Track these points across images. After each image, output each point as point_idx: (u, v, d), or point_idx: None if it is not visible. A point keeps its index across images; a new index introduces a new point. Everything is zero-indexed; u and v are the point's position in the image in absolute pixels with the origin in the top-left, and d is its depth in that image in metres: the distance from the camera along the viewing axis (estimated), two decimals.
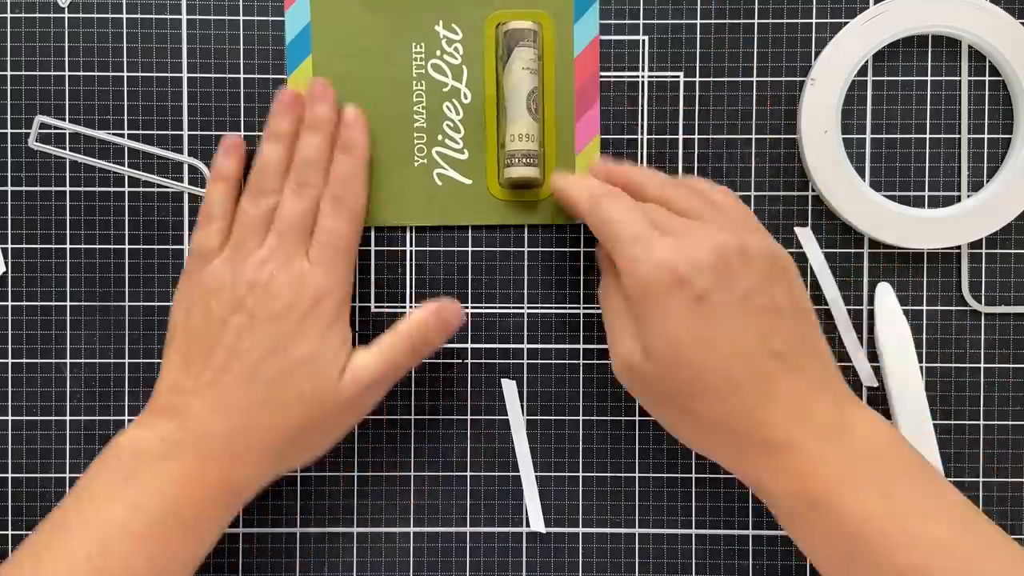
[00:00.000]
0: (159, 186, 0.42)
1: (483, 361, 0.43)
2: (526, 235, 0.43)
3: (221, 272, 0.37)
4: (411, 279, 0.43)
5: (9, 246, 0.42)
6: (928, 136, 0.43)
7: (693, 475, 0.43)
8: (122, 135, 0.42)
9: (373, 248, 0.43)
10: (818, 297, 0.42)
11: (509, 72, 0.40)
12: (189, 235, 0.43)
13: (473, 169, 0.42)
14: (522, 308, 0.43)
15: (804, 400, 0.33)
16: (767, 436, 0.33)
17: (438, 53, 0.42)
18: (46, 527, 0.35)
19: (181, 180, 0.42)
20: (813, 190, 0.42)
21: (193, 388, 0.36)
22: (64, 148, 0.42)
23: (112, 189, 0.42)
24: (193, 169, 0.42)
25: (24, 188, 0.42)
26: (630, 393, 0.37)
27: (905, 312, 0.42)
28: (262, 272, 0.37)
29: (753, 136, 0.42)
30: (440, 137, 0.42)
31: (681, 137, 0.42)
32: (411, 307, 0.43)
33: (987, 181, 0.43)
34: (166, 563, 0.35)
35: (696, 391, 0.33)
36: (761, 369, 0.33)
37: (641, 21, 0.42)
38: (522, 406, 0.43)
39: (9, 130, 0.42)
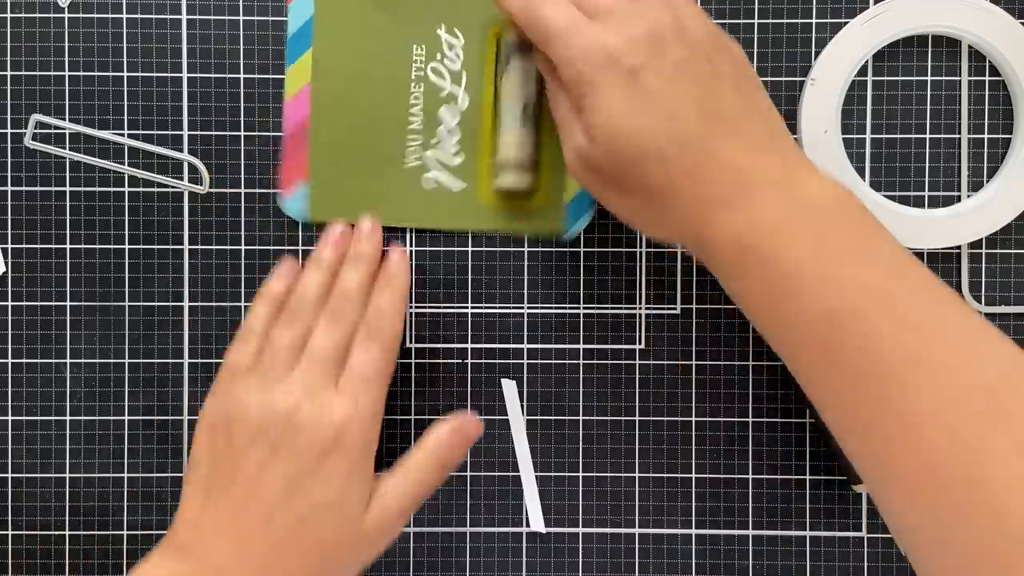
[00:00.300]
0: (159, 185, 0.42)
1: (483, 361, 0.43)
2: (526, 236, 0.43)
3: (246, 394, 0.36)
4: (411, 279, 0.43)
5: (9, 246, 0.42)
6: (928, 136, 0.43)
7: (693, 475, 0.43)
8: (122, 135, 0.42)
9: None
10: None
11: (506, 81, 0.40)
12: (188, 235, 0.43)
13: (466, 174, 0.42)
14: (522, 308, 0.43)
15: (746, 159, 0.33)
16: (708, 193, 0.32)
17: (439, 56, 0.42)
18: None
19: (181, 179, 0.42)
20: None
21: (210, 526, 0.35)
22: (64, 147, 0.42)
23: (112, 189, 0.42)
24: (193, 168, 0.42)
25: (24, 188, 0.42)
26: (587, 188, 0.36)
27: None
28: (288, 400, 0.36)
29: None
30: (434, 140, 0.42)
31: None
32: (411, 307, 0.43)
33: (987, 181, 0.43)
34: None
35: (639, 162, 0.33)
36: (700, 130, 0.33)
37: None
38: (522, 406, 0.43)
39: (9, 130, 0.42)
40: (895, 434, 0.29)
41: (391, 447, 0.43)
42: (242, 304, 0.43)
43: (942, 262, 0.43)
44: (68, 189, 0.42)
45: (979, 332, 0.30)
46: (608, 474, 0.43)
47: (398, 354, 0.39)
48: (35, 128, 0.41)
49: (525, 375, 0.43)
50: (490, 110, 0.42)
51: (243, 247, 0.43)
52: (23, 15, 0.42)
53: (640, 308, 0.43)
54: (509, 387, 0.43)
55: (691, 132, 0.33)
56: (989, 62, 0.42)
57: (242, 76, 0.42)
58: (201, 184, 0.42)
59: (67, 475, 0.43)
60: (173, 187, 0.42)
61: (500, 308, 0.43)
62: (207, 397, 0.38)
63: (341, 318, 0.38)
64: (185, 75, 0.42)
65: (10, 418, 0.43)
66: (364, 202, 0.42)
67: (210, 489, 0.36)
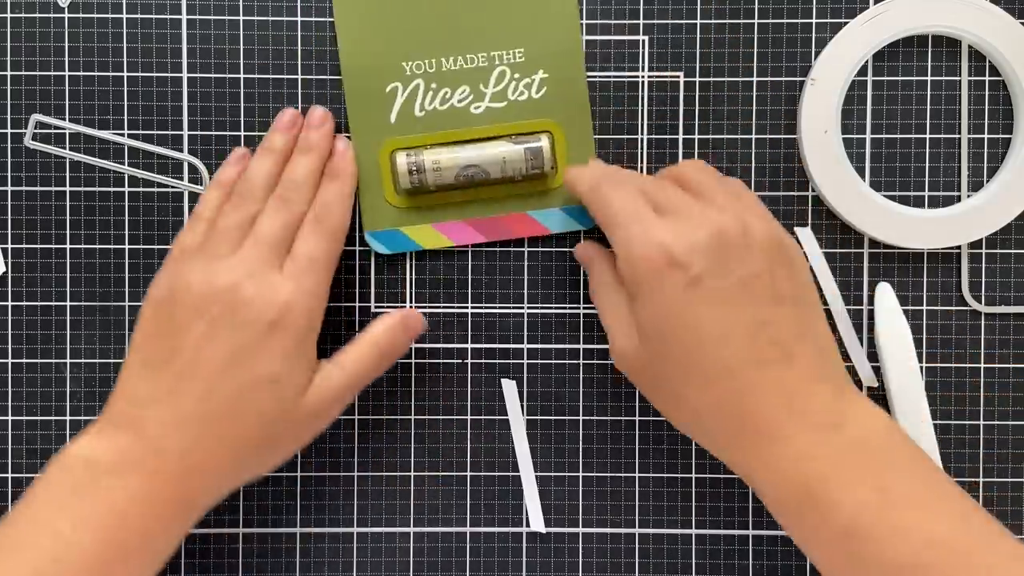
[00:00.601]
0: (159, 185, 0.42)
1: (483, 361, 0.43)
2: (526, 236, 0.43)
3: (190, 272, 0.36)
4: (411, 279, 0.43)
5: (9, 246, 0.42)
6: (928, 136, 0.43)
7: (693, 475, 0.43)
8: (122, 135, 0.42)
9: (372, 250, 0.43)
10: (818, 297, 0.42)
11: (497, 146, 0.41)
12: None
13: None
14: (522, 308, 0.43)
15: (797, 391, 0.32)
16: (757, 426, 0.32)
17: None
18: None
19: (181, 179, 0.42)
20: (813, 190, 0.42)
21: (149, 398, 0.35)
22: (64, 147, 0.42)
23: (112, 189, 0.42)
24: (193, 168, 0.42)
25: (24, 188, 0.42)
26: (629, 379, 0.37)
27: (905, 312, 0.42)
28: (231, 276, 0.36)
29: (753, 136, 0.42)
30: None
31: (681, 137, 0.42)
32: (411, 307, 0.43)
33: (987, 181, 0.43)
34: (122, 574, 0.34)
35: (687, 376, 0.33)
36: (753, 356, 0.32)
37: (641, 21, 0.42)
38: (522, 406, 0.43)
39: (9, 130, 0.42)
40: None
41: (390, 447, 0.43)
42: None
43: (942, 262, 0.43)
44: (68, 189, 0.42)
45: None
46: (608, 474, 0.43)
47: (343, 245, 0.39)
48: (35, 128, 0.41)
49: (525, 375, 0.43)
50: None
51: None
52: (23, 15, 0.42)
53: None
54: (509, 387, 0.43)
55: (741, 359, 0.32)
56: (989, 62, 0.42)
57: (242, 76, 0.42)
58: (201, 184, 0.42)
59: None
60: (173, 187, 0.42)
61: (500, 308, 0.43)
62: (155, 276, 0.38)
63: (288, 203, 0.38)
64: (185, 75, 0.42)
65: (10, 418, 0.43)
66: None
67: (149, 363, 0.36)
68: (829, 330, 0.35)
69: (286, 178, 0.39)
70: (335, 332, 0.43)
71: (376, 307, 0.43)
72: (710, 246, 0.33)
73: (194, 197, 0.42)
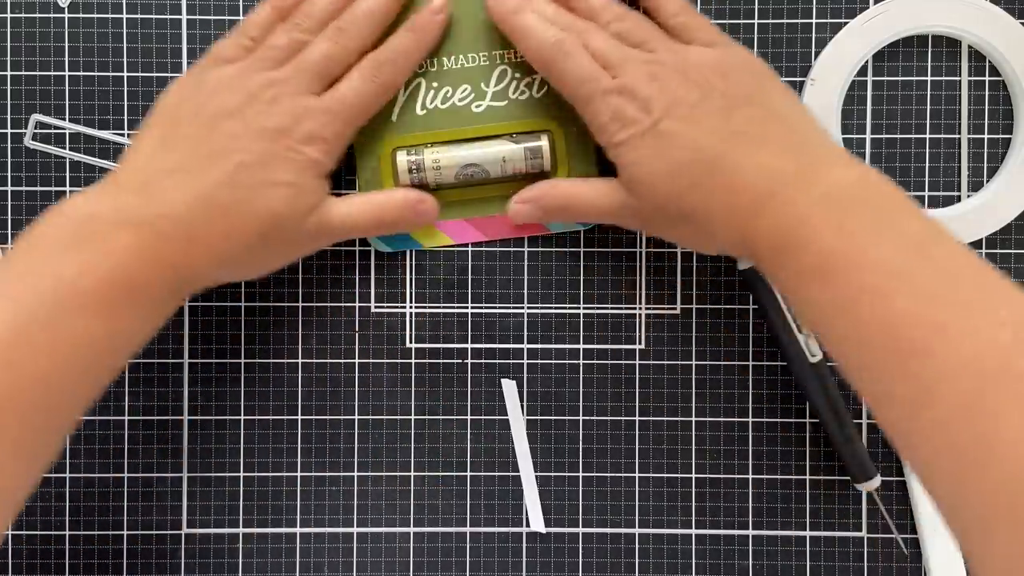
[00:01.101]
0: None
1: (483, 361, 0.43)
2: (526, 235, 0.43)
3: (227, 77, 0.37)
4: (411, 279, 0.43)
5: (9, 246, 0.42)
6: (928, 136, 0.43)
7: (693, 475, 0.43)
8: (122, 135, 0.42)
9: (373, 247, 0.43)
10: None
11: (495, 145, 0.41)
12: None
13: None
14: (522, 308, 0.43)
15: (771, 163, 0.35)
16: (742, 204, 0.35)
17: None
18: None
19: None
20: None
21: (165, 168, 0.35)
22: (64, 147, 0.42)
23: None
24: None
25: (24, 188, 0.42)
26: (634, 228, 0.40)
27: None
28: (268, 91, 0.36)
29: None
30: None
31: None
32: (411, 307, 0.43)
33: (987, 181, 0.43)
34: (112, 329, 0.33)
35: (677, 196, 0.36)
36: (724, 149, 0.35)
37: None
38: (522, 406, 0.43)
39: (9, 130, 0.42)
40: (917, 401, 0.30)
41: (390, 447, 0.43)
42: (242, 304, 0.43)
43: None
44: (68, 189, 0.42)
45: (996, 294, 0.31)
46: (608, 474, 0.43)
47: (386, 101, 0.40)
48: (35, 128, 0.41)
49: (525, 375, 0.43)
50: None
51: None
52: (23, 15, 0.42)
53: (640, 308, 0.43)
54: (509, 387, 0.43)
55: (716, 154, 0.35)
56: (989, 62, 0.42)
57: None
58: None
59: (67, 475, 0.43)
60: None
61: (500, 308, 0.43)
62: (180, 77, 0.38)
63: (344, 35, 0.38)
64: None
65: None
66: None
67: (170, 139, 0.36)
68: (799, 106, 0.37)
69: (352, 8, 0.39)
70: (335, 332, 0.43)
71: (376, 306, 0.43)
72: (659, 92, 0.36)
73: None
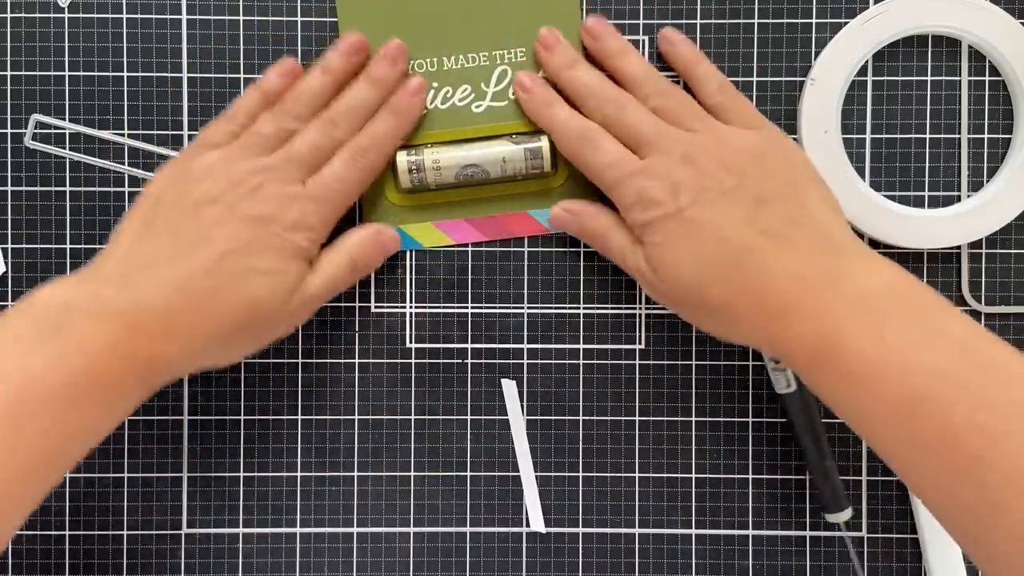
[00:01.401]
0: None
1: (483, 361, 0.43)
2: (526, 236, 0.43)
3: (212, 163, 0.37)
4: (411, 279, 0.43)
5: (9, 246, 0.42)
6: (928, 136, 0.43)
7: (693, 475, 0.43)
8: (122, 135, 0.42)
9: None
10: None
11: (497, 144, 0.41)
12: None
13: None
14: (522, 308, 0.43)
15: (799, 268, 0.34)
16: (770, 305, 0.34)
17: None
18: None
19: None
20: None
21: (145, 259, 0.35)
22: (64, 147, 0.42)
23: (112, 189, 0.42)
24: None
25: (24, 188, 0.42)
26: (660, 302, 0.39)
27: None
28: (253, 178, 0.36)
29: None
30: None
31: None
32: (411, 307, 0.43)
33: (987, 181, 0.43)
34: (77, 425, 0.33)
35: (701, 287, 0.36)
36: (753, 245, 0.35)
37: (641, 21, 0.42)
38: (522, 406, 0.43)
39: (9, 130, 0.42)
40: (990, 510, 0.30)
41: (390, 447, 0.43)
42: None
43: (942, 262, 0.43)
44: (68, 189, 0.42)
45: None
46: (608, 474, 0.43)
47: (368, 185, 0.40)
48: (35, 128, 0.41)
49: (525, 375, 0.43)
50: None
51: None
52: (23, 15, 0.42)
53: (640, 308, 0.43)
54: (509, 387, 0.43)
55: (743, 249, 0.35)
56: (989, 62, 0.42)
57: (242, 76, 0.42)
58: None
59: (67, 475, 0.43)
60: None
61: (500, 308, 0.43)
62: (166, 163, 0.38)
63: (334, 127, 0.38)
64: (185, 75, 0.42)
65: None
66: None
67: (152, 227, 0.36)
68: (830, 203, 0.37)
69: (341, 102, 0.39)
70: (335, 332, 0.43)
71: (376, 306, 0.43)
72: (691, 176, 0.36)
73: None
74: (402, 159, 0.40)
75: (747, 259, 0.35)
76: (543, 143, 0.40)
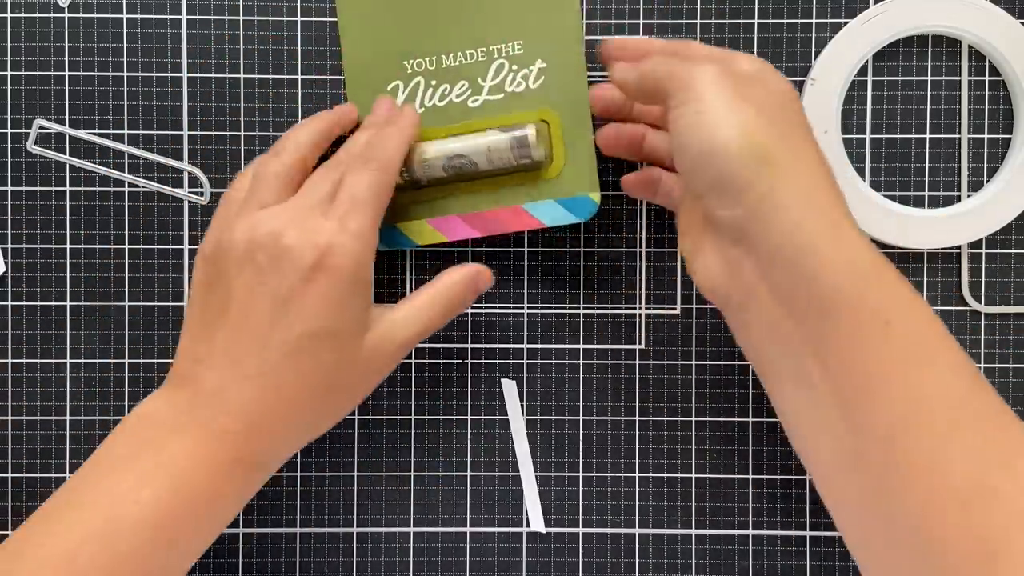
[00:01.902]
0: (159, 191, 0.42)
1: (483, 361, 0.43)
2: (526, 235, 0.43)
3: (235, 222, 0.36)
4: (411, 279, 0.43)
5: (9, 246, 0.42)
6: (928, 136, 0.43)
7: (693, 475, 0.43)
8: (122, 136, 0.42)
9: None
10: None
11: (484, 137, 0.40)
12: (188, 236, 0.43)
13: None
14: (522, 308, 0.43)
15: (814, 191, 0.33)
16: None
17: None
18: (60, 496, 0.34)
19: (182, 187, 0.42)
20: None
21: (207, 354, 0.35)
22: (64, 150, 0.42)
23: (112, 189, 0.42)
24: (193, 176, 0.42)
25: (24, 188, 0.42)
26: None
27: None
28: (273, 223, 0.35)
29: None
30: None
31: None
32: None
33: (987, 181, 0.43)
34: (176, 537, 0.33)
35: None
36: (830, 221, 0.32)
37: (641, 21, 0.42)
38: (522, 406, 0.43)
39: (9, 130, 0.42)
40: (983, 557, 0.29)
41: (390, 447, 0.43)
42: None
43: (942, 262, 0.43)
44: (68, 189, 0.42)
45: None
46: (608, 474, 0.43)
47: (394, 181, 0.37)
48: (38, 130, 0.41)
49: (525, 375, 0.43)
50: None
51: None
52: (23, 15, 0.42)
53: (640, 308, 0.43)
54: (509, 387, 0.43)
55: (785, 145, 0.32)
56: (989, 62, 0.42)
57: (242, 76, 0.42)
58: (203, 195, 0.42)
59: (67, 475, 0.43)
60: (173, 194, 0.42)
61: (500, 308, 0.43)
62: (203, 238, 0.38)
63: (341, 163, 0.37)
64: (185, 75, 0.42)
65: (10, 418, 0.43)
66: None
67: (206, 321, 0.36)
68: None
69: (346, 145, 0.38)
70: None
71: (376, 306, 0.43)
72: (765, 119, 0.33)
73: (195, 208, 0.42)
74: None
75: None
76: (528, 131, 0.39)
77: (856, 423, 0.31)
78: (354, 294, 0.35)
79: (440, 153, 0.40)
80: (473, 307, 0.43)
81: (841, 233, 0.32)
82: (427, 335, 0.37)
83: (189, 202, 0.42)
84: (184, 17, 0.42)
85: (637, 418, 0.43)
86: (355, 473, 0.43)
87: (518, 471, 0.43)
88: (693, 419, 0.43)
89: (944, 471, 0.29)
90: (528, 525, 0.43)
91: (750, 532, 0.43)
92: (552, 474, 0.43)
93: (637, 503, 0.43)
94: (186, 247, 0.43)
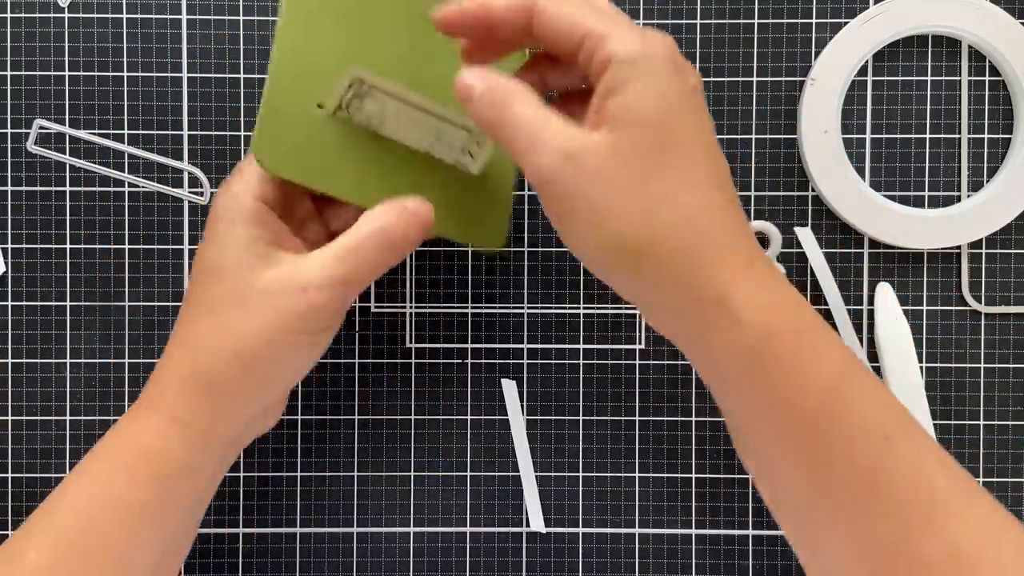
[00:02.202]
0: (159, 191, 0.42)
1: (483, 361, 0.43)
2: (526, 235, 0.43)
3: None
4: (411, 279, 0.43)
5: (9, 246, 0.42)
6: (928, 136, 0.43)
7: (693, 475, 0.43)
8: (122, 136, 0.42)
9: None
10: (818, 297, 0.42)
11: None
12: (188, 236, 0.43)
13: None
14: (522, 308, 0.43)
15: (752, 256, 0.31)
16: (752, 253, 0.30)
17: None
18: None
19: (182, 188, 0.42)
20: (813, 190, 0.42)
21: (162, 373, 0.35)
22: (64, 150, 0.42)
23: (112, 189, 0.42)
24: (193, 177, 0.42)
25: (24, 188, 0.42)
26: (571, 195, 0.30)
27: (905, 312, 0.42)
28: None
29: (753, 136, 0.42)
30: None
31: None
32: (411, 307, 0.43)
33: (987, 181, 0.43)
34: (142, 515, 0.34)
35: (688, 174, 0.30)
36: (728, 197, 0.31)
37: (641, 21, 0.42)
38: (522, 406, 0.43)
39: (9, 130, 0.42)
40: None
41: (390, 447, 0.43)
42: None
43: (942, 262, 0.43)
44: (68, 189, 0.42)
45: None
46: (608, 474, 0.43)
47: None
48: (38, 130, 0.41)
49: (525, 375, 0.43)
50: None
51: None
52: (23, 15, 0.42)
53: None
54: (509, 387, 0.43)
55: (725, 199, 0.31)
56: (989, 62, 0.42)
57: (242, 76, 0.42)
58: (203, 195, 0.42)
59: (67, 475, 0.43)
60: (173, 194, 0.42)
61: (500, 308, 0.43)
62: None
63: None
64: (185, 75, 0.42)
65: (10, 418, 0.43)
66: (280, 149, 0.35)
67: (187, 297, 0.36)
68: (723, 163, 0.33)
69: None
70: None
71: (376, 307, 0.43)
72: (696, 76, 0.31)
73: (195, 208, 0.42)
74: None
75: (726, 188, 0.31)
76: (489, 144, 0.37)
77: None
78: (233, 226, 0.34)
79: (396, 94, 0.35)
80: (473, 307, 0.43)
81: (744, 289, 0.30)
82: (350, 285, 0.33)
83: (189, 202, 0.42)
84: (184, 17, 0.42)
85: (637, 418, 0.43)
86: (355, 473, 0.43)
87: (518, 471, 0.43)
88: (693, 419, 0.43)
89: None
90: (528, 525, 0.43)
91: (750, 532, 0.43)
92: (552, 474, 0.43)
93: (637, 503, 0.43)
94: (186, 247, 0.43)
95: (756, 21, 0.42)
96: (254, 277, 0.33)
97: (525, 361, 0.43)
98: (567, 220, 0.31)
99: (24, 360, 0.43)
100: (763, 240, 0.42)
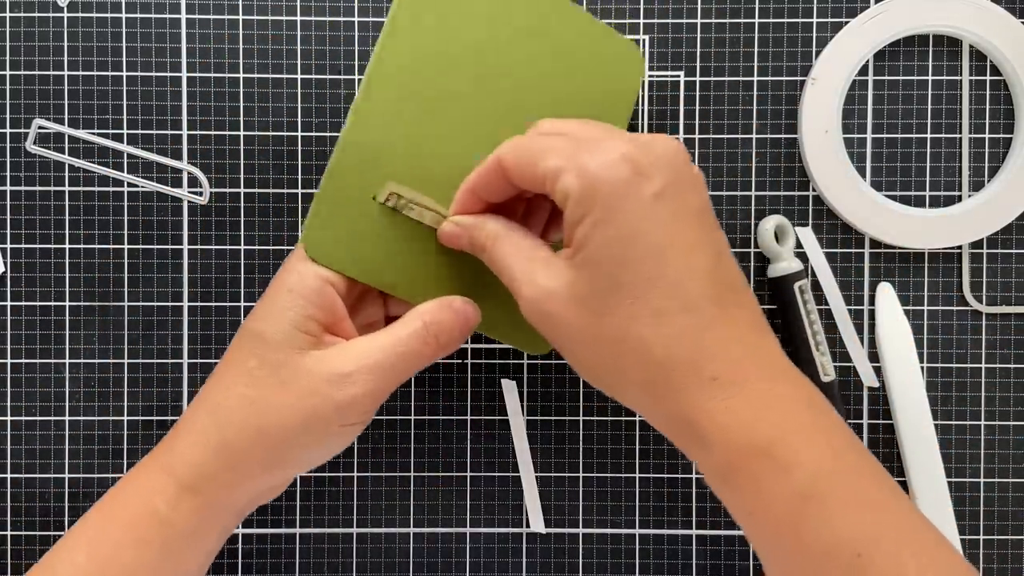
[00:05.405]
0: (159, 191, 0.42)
1: (483, 361, 0.43)
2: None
3: None
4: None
5: (9, 246, 0.42)
6: (929, 136, 0.43)
7: (693, 475, 0.43)
8: (122, 136, 0.42)
9: None
10: (818, 297, 0.42)
11: None
12: (188, 236, 0.43)
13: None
14: None
15: (751, 336, 0.30)
16: (715, 370, 0.29)
17: None
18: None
19: (181, 188, 0.42)
20: (813, 190, 0.42)
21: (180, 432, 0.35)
22: (63, 150, 0.42)
23: (112, 189, 0.42)
24: (193, 176, 0.42)
25: (24, 188, 0.42)
26: (543, 326, 0.32)
27: (906, 312, 0.42)
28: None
29: (753, 136, 0.42)
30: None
31: (681, 137, 0.42)
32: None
33: (988, 181, 0.43)
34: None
35: (641, 305, 0.29)
36: (715, 291, 0.30)
37: (641, 21, 0.42)
38: (522, 406, 0.43)
39: (8, 130, 0.42)
40: None
41: (390, 447, 0.43)
42: (241, 304, 0.43)
43: (943, 262, 0.43)
44: (68, 189, 0.42)
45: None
46: (608, 474, 0.43)
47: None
48: (37, 130, 0.41)
49: (525, 375, 0.43)
50: None
51: (242, 247, 0.43)
52: (23, 15, 0.42)
53: None
54: (509, 387, 0.43)
55: (702, 290, 0.30)
56: (990, 62, 0.42)
57: (241, 76, 0.42)
58: (202, 195, 0.42)
59: (67, 475, 0.43)
60: (173, 194, 0.42)
61: None
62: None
63: None
64: (185, 75, 0.42)
65: (10, 418, 0.43)
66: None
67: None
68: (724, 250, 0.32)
69: None
70: None
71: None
72: (668, 161, 0.30)
73: (194, 208, 0.42)
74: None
75: (701, 304, 0.30)
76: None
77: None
78: (291, 298, 0.33)
79: (435, 208, 0.36)
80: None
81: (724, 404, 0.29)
82: (390, 379, 0.33)
83: (189, 202, 0.42)
84: (184, 17, 0.42)
85: (637, 418, 0.43)
86: (355, 473, 0.43)
87: (518, 471, 0.43)
88: None
89: None
90: (528, 525, 0.43)
91: None
92: (552, 474, 0.43)
93: (637, 503, 0.43)
94: (185, 247, 0.43)
95: (756, 21, 0.42)
96: (298, 356, 0.33)
97: (525, 361, 0.43)
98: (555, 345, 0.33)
99: (24, 360, 0.43)
100: (777, 235, 0.41)
